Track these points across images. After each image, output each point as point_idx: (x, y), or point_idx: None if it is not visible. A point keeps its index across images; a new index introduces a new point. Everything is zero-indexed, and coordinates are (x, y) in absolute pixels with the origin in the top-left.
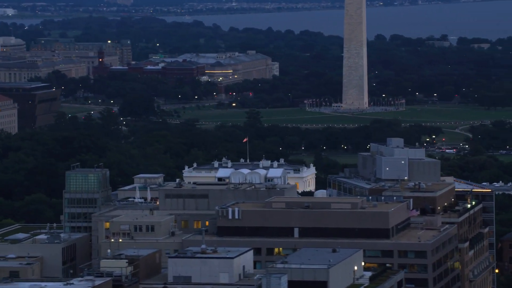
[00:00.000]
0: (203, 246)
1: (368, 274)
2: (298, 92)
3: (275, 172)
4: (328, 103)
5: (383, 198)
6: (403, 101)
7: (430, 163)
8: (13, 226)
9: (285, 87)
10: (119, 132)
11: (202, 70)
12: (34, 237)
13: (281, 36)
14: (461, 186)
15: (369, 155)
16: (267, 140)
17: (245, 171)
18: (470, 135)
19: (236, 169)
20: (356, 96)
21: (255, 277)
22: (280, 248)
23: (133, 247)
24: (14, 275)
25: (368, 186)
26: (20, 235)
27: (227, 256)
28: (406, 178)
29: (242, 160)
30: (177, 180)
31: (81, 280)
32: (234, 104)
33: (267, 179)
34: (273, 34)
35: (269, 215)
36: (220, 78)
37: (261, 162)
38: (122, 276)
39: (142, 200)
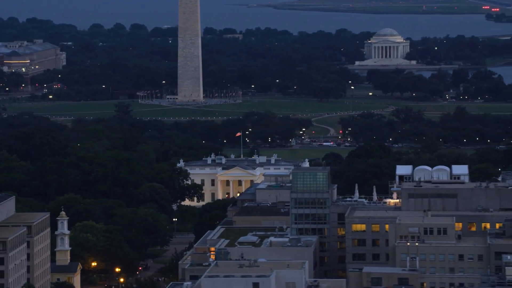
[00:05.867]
0: None
1: None
2: (113, 83)
3: (461, 169)
4: (160, 95)
5: None
6: (240, 93)
7: None
8: None
9: (97, 78)
10: None
11: (1, 60)
12: (270, 240)
13: (22, 25)
14: None
15: None
16: (147, 135)
17: (428, 168)
18: (330, 128)
19: (231, 164)
20: (192, 87)
21: None
22: None
23: (429, 251)
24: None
25: None
26: (252, 238)
27: None
28: None
29: (232, 155)
30: (418, 178)
31: None
32: (50, 96)
33: (453, 177)
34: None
35: None
36: (23, 69)
37: (257, 158)
38: None
39: (365, 200)
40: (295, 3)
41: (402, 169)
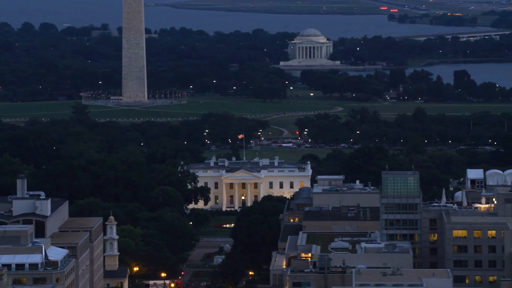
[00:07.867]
0: None
1: None
2: (49, 84)
3: None
4: (105, 96)
5: None
6: (185, 93)
7: None
8: None
9: (32, 79)
10: None
11: None
12: (364, 246)
13: None
14: None
15: None
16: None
17: (500, 171)
18: (284, 129)
19: (234, 167)
20: (137, 88)
21: None
22: None
23: None
24: None
25: None
26: (344, 243)
27: None
28: None
29: (233, 158)
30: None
31: None
32: None
33: None
34: None
35: None
36: None
37: (260, 160)
38: None
39: (453, 205)
40: (193, 2)
41: (474, 173)
